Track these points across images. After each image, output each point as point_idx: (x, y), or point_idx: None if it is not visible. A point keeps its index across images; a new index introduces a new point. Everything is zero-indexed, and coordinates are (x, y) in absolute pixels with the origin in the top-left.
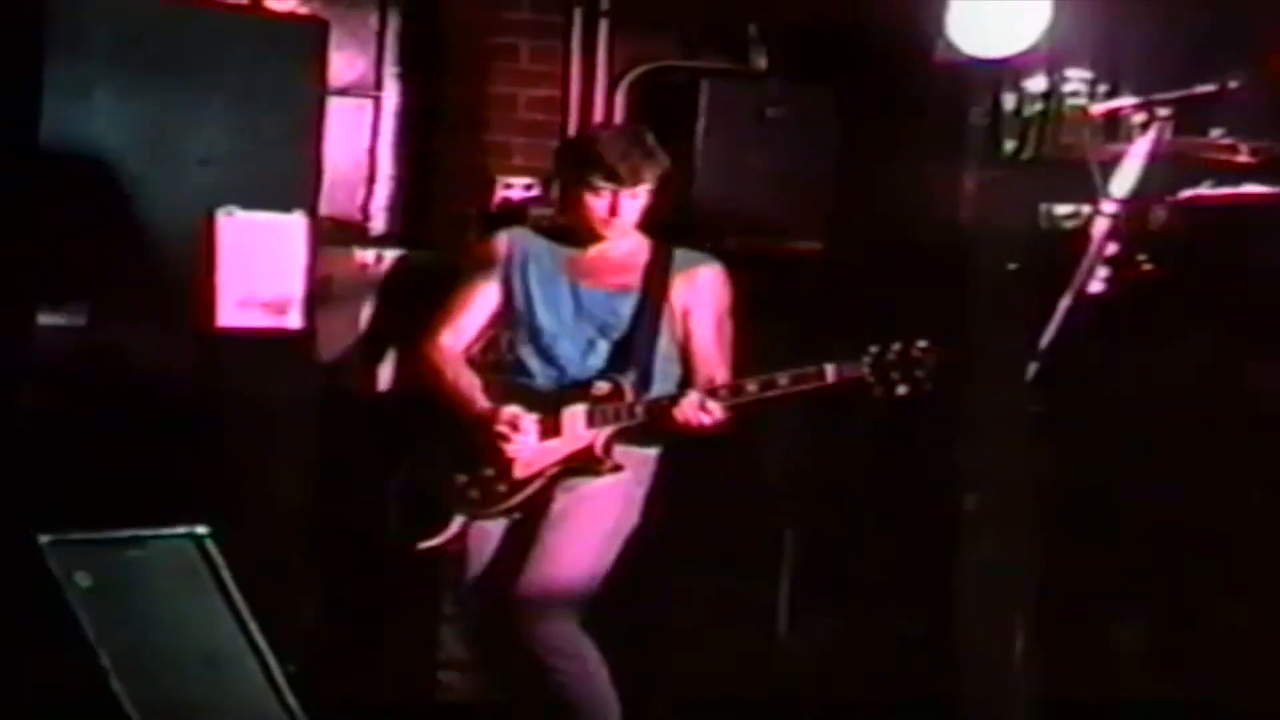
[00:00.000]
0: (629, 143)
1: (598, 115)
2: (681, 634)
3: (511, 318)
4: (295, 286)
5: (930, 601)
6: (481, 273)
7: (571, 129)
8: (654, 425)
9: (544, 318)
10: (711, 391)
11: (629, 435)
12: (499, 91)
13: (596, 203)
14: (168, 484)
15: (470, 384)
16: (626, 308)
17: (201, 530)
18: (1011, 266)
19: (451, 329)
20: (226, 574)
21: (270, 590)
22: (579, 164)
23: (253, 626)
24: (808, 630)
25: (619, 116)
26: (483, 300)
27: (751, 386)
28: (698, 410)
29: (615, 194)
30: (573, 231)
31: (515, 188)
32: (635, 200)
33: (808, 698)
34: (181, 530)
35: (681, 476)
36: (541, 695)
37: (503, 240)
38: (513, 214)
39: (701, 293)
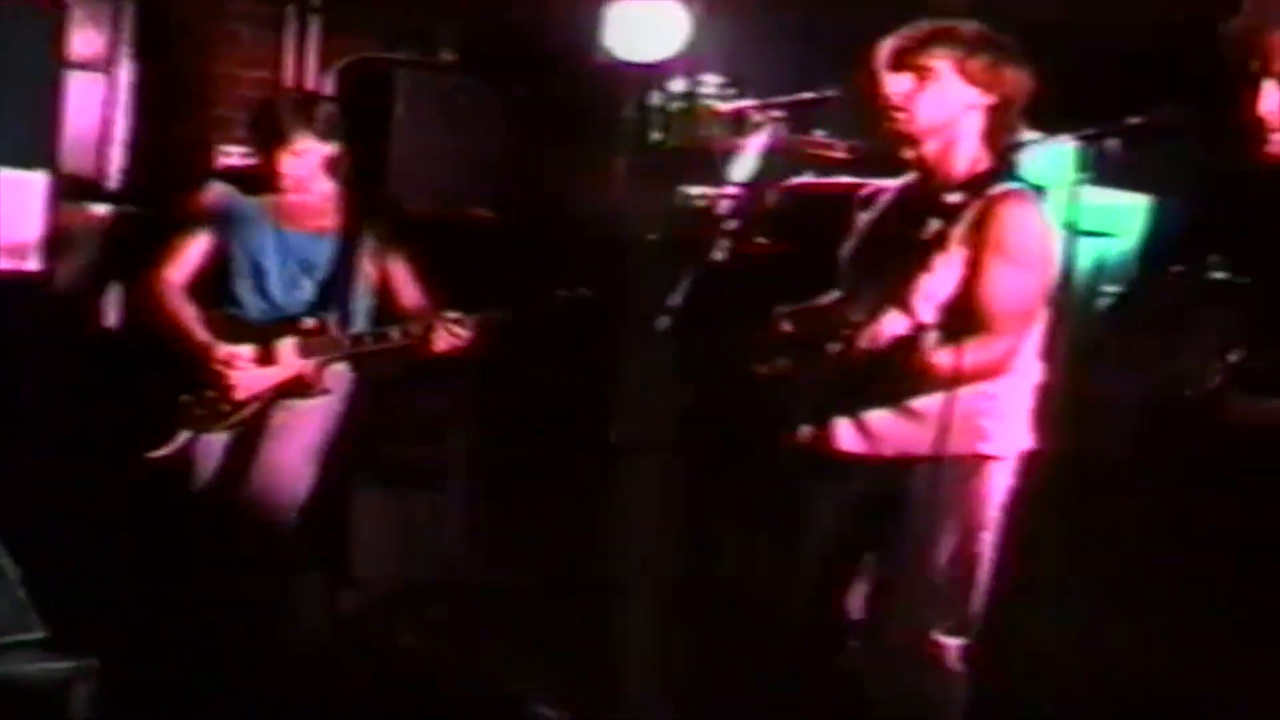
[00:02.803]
0: (287, 107)
1: None
2: (361, 538)
3: (226, 256)
4: (35, 234)
5: (581, 512)
6: (196, 218)
7: None
8: (408, 354)
9: (255, 256)
10: (457, 321)
11: (358, 360)
12: (223, 72)
13: (275, 157)
14: None
15: (190, 316)
16: (325, 250)
17: None
18: (652, 236)
19: (174, 266)
20: None
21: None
22: (254, 125)
23: None
24: (473, 530)
25: None
26: (200, 242)
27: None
28: (452, 337)
29: (277, 148)
30: (269, 182)
31: (235, 155)
32: (302, 156)
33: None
34: None
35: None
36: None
37: (213, 191)
38: (232, 178)
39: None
